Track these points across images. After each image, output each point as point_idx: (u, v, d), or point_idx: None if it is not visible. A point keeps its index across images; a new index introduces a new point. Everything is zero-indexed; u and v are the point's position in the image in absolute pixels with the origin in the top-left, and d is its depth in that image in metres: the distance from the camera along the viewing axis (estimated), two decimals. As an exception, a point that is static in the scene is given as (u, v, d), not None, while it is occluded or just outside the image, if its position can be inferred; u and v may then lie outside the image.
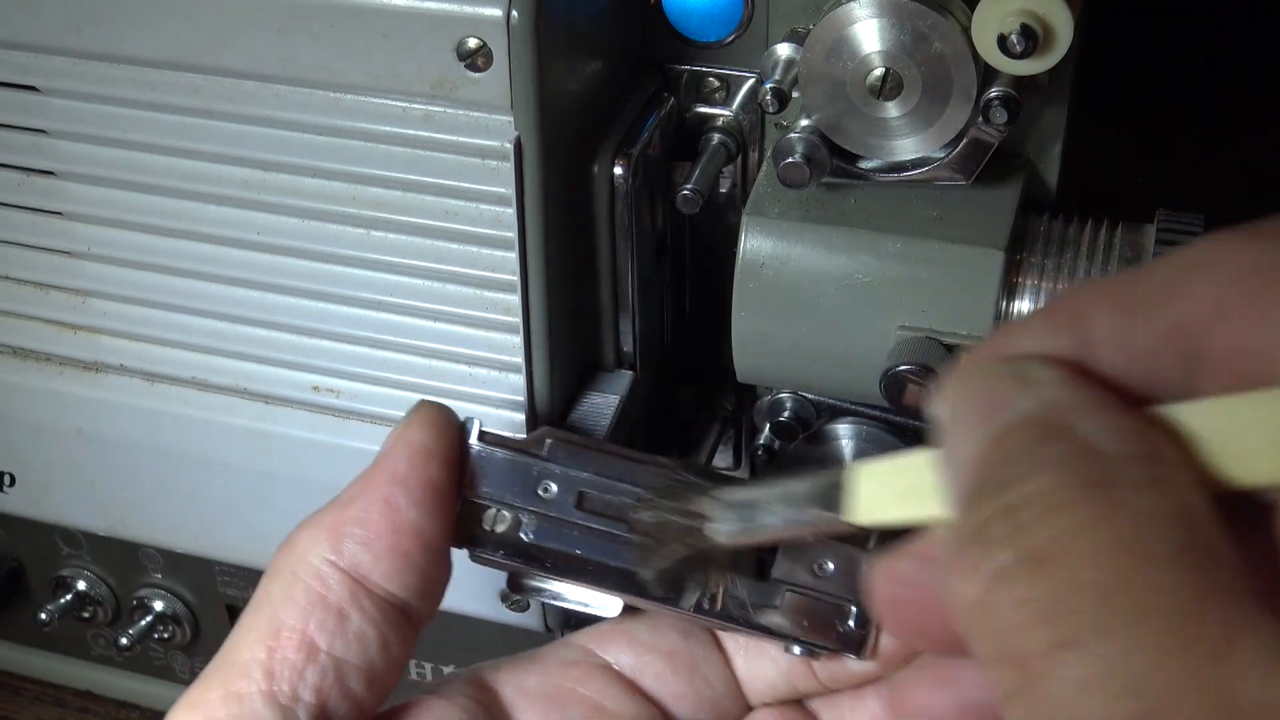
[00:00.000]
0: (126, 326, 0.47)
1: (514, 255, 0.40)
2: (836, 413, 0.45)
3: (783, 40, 0.40)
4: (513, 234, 0.40)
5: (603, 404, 0.44)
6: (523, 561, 0.36)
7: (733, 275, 0.41)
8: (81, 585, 0.56)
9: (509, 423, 0.44)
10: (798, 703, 0.39)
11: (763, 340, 0.42)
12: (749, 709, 0.39)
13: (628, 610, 0.38)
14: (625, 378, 0.45)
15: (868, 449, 0.45)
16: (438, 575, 0.36)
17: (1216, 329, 0.23)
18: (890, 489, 0.30)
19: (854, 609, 0.36)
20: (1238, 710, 0.19)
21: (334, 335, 0.44)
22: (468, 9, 0.37)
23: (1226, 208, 0.46)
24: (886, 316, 0.40)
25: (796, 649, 0.37)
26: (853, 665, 0.37)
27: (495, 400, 0.44)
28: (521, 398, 0.43)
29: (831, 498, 0.31)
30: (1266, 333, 0.22)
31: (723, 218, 0.46)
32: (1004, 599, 0.21)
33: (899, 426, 0.45)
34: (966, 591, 0.22)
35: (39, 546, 0.56)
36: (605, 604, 0.37)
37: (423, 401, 0.37)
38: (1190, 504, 0.22)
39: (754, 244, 0.41)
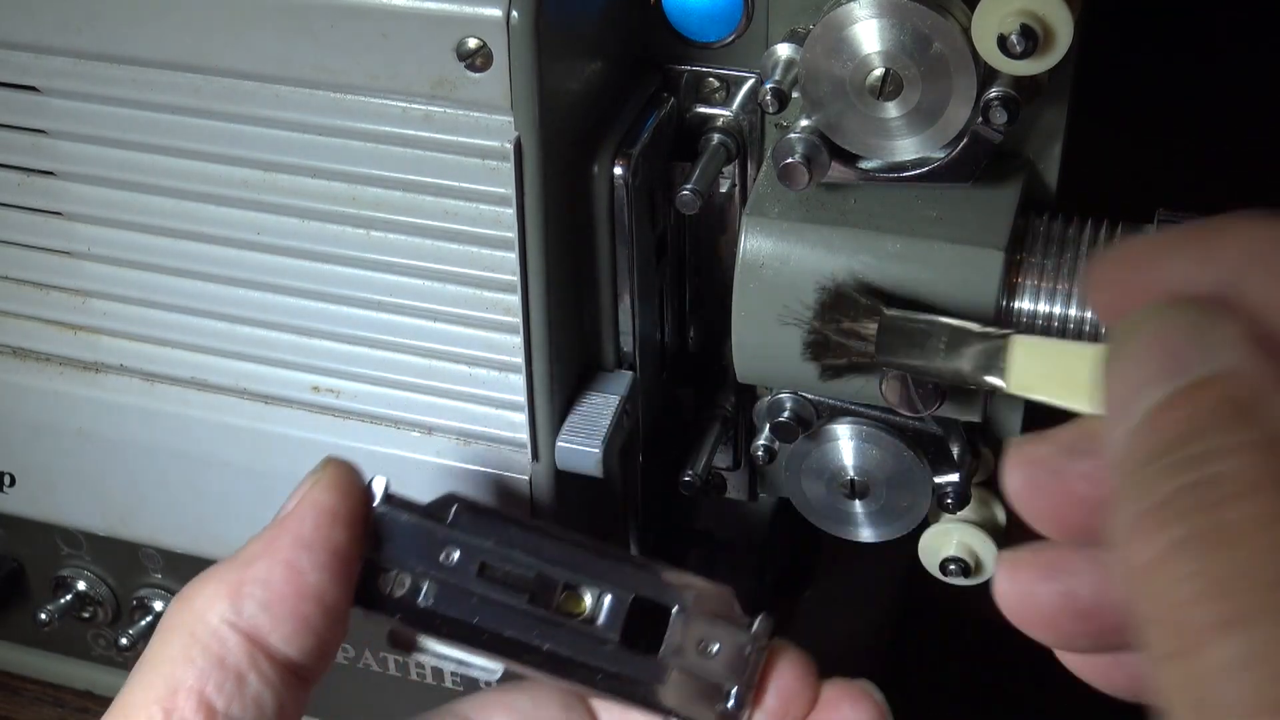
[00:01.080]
0: (126, 326, 0.47)
1: (514, 255, 0.40)
2: (836, 413, 0.45)
3: (783, 40, 0.40)
4: (512, 234, 0.40)
5: (602, 404, 0.44)
6: (418, 626, 0.36)
7: (733, 275, 0.41)
8: (81, 585, 0.56)
9: (509, 423, 0.44)
10: None
11: (763, 340, 0.42)
12: None
13: (511, 676, 0.38)
14: (625, 378, 0.45)
15: (868, 449, 0.45)
16: (335, 637, 0.35)
17: None
18: (1048, 370, 0.31)
19: (734, 689, 0.36)
20: None
21: (334, 335, 0.45)
22: (468, 9, 0.37)
23: (1226, 208, 0.46)
24: (886, 317, 0.40)
25: None
26: None
27: (495, 400, 0.44)
28: (521, 397, 0.43)
29: (992, 357, 0.33)
30: None
31: (723, 218, 0.46)
32: (1179, 570, 0.22)
33: (899, 426, 0.45)
34: (1141, 553, 0.23)
35: (39, 546, 0.56)
36: (485, 669, 0.37)
37: (329, 460, 0.36)
38: None
39: (754, 244, 0.41)
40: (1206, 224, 0.26)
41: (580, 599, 0.37)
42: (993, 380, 0.33)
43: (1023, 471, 0.29)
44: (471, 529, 0.36)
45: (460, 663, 0.37)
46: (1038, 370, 0.32)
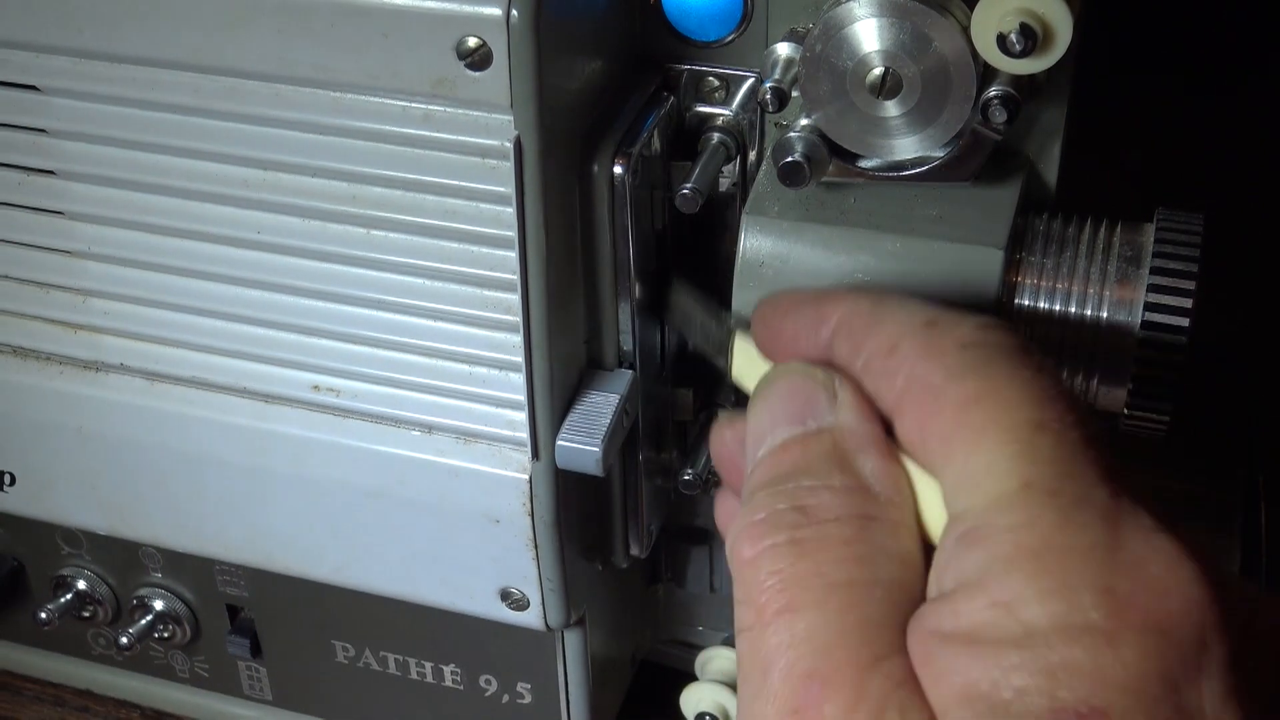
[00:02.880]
0: (127, 326, 0.47)
1: (514, 254, 0.40)
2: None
3: (782, 39, 0.40)
4: (513, 233, 0.40)
5: (602, 403, 0.44)
6: None
7: (733, 275, 0.41)
8: (81, 585, 0.56)
9: (509, 422, 0.44)
10: None
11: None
12: None
13: None
14: (625, 377, 0.45)
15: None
16: None
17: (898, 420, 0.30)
18: (753, 370, 0.35)
19: None
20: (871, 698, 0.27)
21: (334, 334, 0.45)
22: (467, 8, 0.37)
23: (1226, 207, 0.46)
24: (886, 315, 0.40)
25: None
26: None
27: (495, 399, 0.44)
28: (521, 396, 0.43)
29: (723, 344, 0.38)
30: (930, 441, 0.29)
31: (723, 217, 0.46)
32: (766, 567, 0.29)
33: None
34: (744, 551, 0.29)
35: (39, 546, 0.56)
36: None
37: None
38: (911, 550, 0.29)
39: (754, 243, 0.41)
40: (820, 292, 0.33)
41: None
42: (721, 363, 0.38)
43: (720, 445, 0.36)
44: None
45: None
46: (749, 369, 0.35)
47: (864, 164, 0.41)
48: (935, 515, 0.29)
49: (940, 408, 0.29)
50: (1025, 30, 0.36)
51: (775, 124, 0.44)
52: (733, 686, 0.52)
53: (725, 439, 0.35)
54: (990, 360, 0.29)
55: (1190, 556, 0.26)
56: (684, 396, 0.49)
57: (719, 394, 0.49)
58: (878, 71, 0.38)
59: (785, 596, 0.28)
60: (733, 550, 0.30)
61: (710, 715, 0.52)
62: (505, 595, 0.47)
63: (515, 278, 0.41)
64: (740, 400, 0.37)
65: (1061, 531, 0.26)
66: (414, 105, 0.39)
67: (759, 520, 0.30)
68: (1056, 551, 0.26)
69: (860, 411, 0.31)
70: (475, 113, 0.39)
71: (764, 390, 0.33)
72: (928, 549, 0.29)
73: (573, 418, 0.43)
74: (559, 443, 0.43)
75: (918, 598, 0.28)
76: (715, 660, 0.54)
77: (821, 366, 0.32)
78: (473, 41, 0.37)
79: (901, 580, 0.29)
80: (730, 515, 0.35)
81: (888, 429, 0.31)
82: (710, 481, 0.50)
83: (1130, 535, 0.26)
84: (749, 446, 0.32)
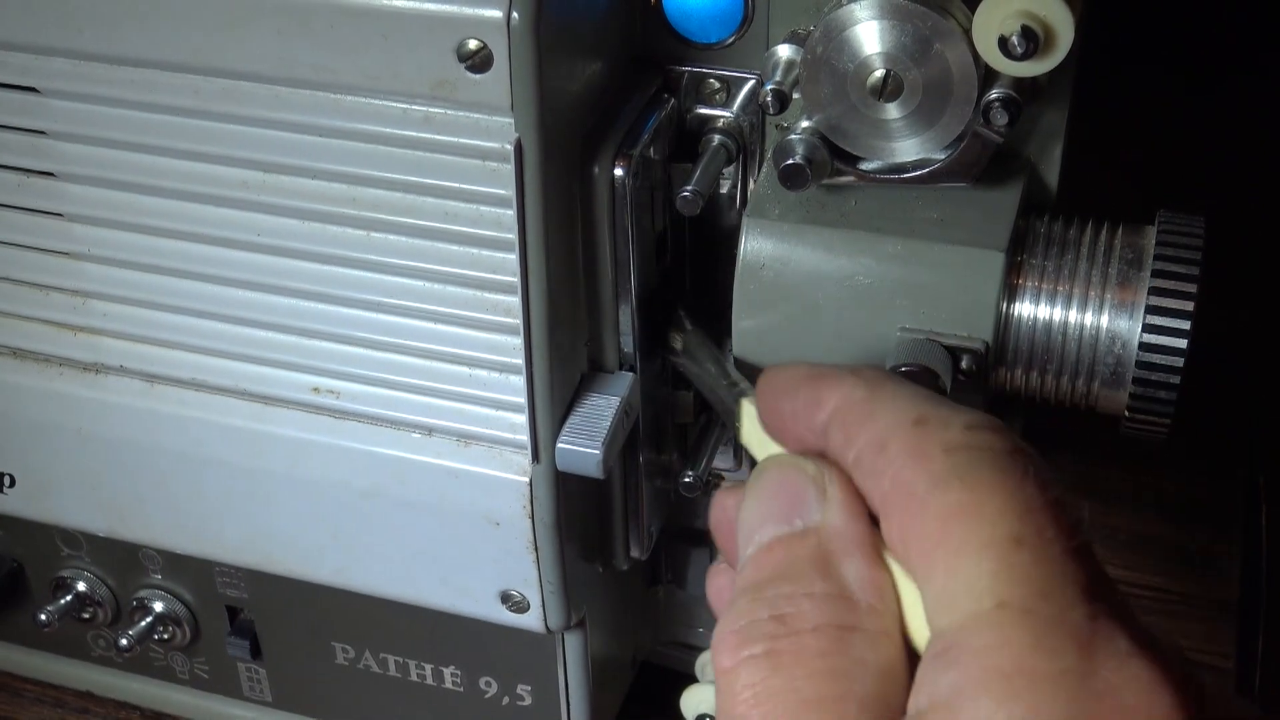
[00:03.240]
0: (126, 327, 0.47)
1: (514, 257, 0.40)
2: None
3: (783, 41, 0.40)
4: (513, 235, 0.40)
5: (603, 405, 0.44)
6: None
7: (733, 276, 0.41)
8: (81, 586, 0.56)
9: (509, 424, 0.44)
10: None
11: (763, 342, 0.42)
12: None
13: None
14: (626, 379, 0.45)
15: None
16: None
17: (878, 458, 0.30)
18: (760, 436, 0.34)
19: None
20: None
21: (334, 336, 0.44)
22: (468, 10, 0.37)
23: (1226, 208, 0.46)
24: (887, 318, 0.40)
25: None
26: None
27: (495, 401, 0.44)
28: (521, 399, 0.43)
29: (732, 407, 0.38)
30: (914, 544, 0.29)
31: (723, 219, 0.46)
32: (743, 679, 0.29)
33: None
34: (723, 660, 0.29)
35: (39, 547, 0.56)
36: None
37: None
38: (893, 660, 0.29)
39: (754, 245, 0.41)
40: (819, 372, 0.32)
41: None
42: (733, 425, 0.37)
43: (715, 514, 0.35)
44: None
45: None
46: (756, 435, 0.34)
47: (865, 166, 0.41)
48: (921, 623, 0.29)
49: (922, 518, 0.28)
50: (1027, 33, 0.36)
51: (776, 126, 0.44)
52: None
53: (726, 507, 0.34)
54: (975, 467, 0.28)
55: (1168, 684, 0.25)
56: (684, 398, 0.49)
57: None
58: (879, 74, 0.38)
59: (759, 711, 0.28)
60: (714, 657, 0.30)
61: (710, 717, 0.52)
62: (505, 597, 0.47)
63: (515, 280, 0.41)
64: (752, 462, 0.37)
65: (1033, 654, 0.26)
66: (414, 107, 0.39)
67: (739, 629, 0.29)
68: (1027, 676, 0.25)
69: (849, 510, 0.30)
70: (476, 115, 0.39)
71: (755, 483, 0.32)
72: (915, 657, 0.29)
73: (573, 420, 0.43)
74: (559, 445, 0.43)
75: (898, 711, 0.28)
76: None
77: (814, 459, 0.31)
78: (473, 44, 0.37)
79: (880, 693, 0.28)
80: (721, 594, 0.35)
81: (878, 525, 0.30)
82: (710, 483, 0.50)
83: (1104, 660, 0.26)
84: (740, 539, 0.32)
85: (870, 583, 0.29)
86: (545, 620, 0.47)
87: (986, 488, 0.28)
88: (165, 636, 0.56)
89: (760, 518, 0.31)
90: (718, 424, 0.49)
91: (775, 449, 0.34)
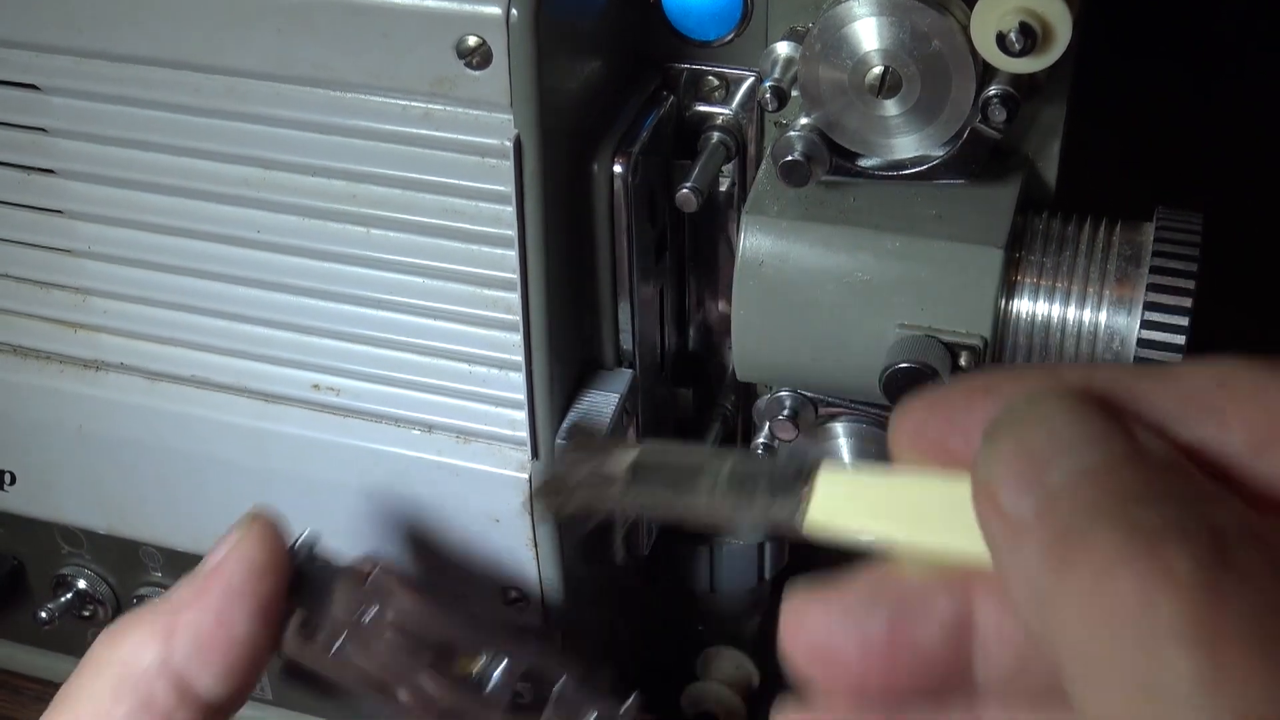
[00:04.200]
0: (127, 325, 0.47)
1: (514, 253, 0.40)
2: (836, 412, 0.45)
3: (782, 39, 0.40)
4: (512, 232, 0.40)
5: (602, 402, 0.44)
6: (333, 673, 0.39)
7: (732, 274, 0.41)
8: (82, 584, 0.56)
9: (509, 421, 0.44)
10: None
11: (762, 339, 0.42)
12: None
13: None
14: (625, 376, 0.45)
15: (867, 448, 0.45)
16: (255, 679, 0.38)
17: (1255, 461, 0.22)
18: (856, 500, 0.27)
19: None
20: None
21: (334, 334, 0.45)
22: (467, 7, 0.37)
23: (1226, 207, 0.46)
24: (886, 315, 0.40)
25: None
26: None
27: (495, 398, 0.44)
28: (521, 396, 0.43)
29: (784, 490, 0.28)
30: None
31: (722, 216, 0.46)
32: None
33: (898, 425, 0.45)
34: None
35: (39, 545, 0.56)
36: (381, 710, 0.40)
37: (255, 514, 0.39)
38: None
39: (753, 242, 0.41)
40: (1014, 372, 0.25)
41: (475, 662, 0.40)
42: (785, 517, 0.27)
43: (810, 629, 0.26)
44: (388, 595, 0.40)
45: (361, 703, 0.41)
46: (844, 503, 0.27)
47: (864, 163, 0.41)
48: None
49: None
50: (1024, 29, 0.36)
51: (775, 123, 0.44)
52: (731, 686, 0.52)
53: (817, 622, 0.26)
54: None
55: None
56: (684, 396, 0.49)
57: (719, 394, 0.49)
58: (877, 70, 0.38)
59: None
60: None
61: (711, 714, 0.52)
62: (505, 594, 0.47)
63: (515, 277, 0.41)
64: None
65: None
66: (414, 104, 0.39)
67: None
68: None
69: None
70: (475, 112, 0.39)
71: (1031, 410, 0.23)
72: None
73: (573, 417, 0.43)
74: (559, 442, 0.43)
75: None
76: (715, 660, 0.54)
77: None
78: (473, 40, 0.37)
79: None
80: None
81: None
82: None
83: None
84: (1009, 498, 0.22)
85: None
86: (545, 617, 0.47)
87: None
88: (166, 634, 0.56)
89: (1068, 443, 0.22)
90: (717, 421, 0.49)
91: (884, 508, 0.26)
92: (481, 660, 0.40)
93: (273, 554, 0.38)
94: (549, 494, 0.33)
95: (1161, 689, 0.20)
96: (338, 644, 0.39)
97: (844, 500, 0.27)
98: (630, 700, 0.40)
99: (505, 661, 0.40)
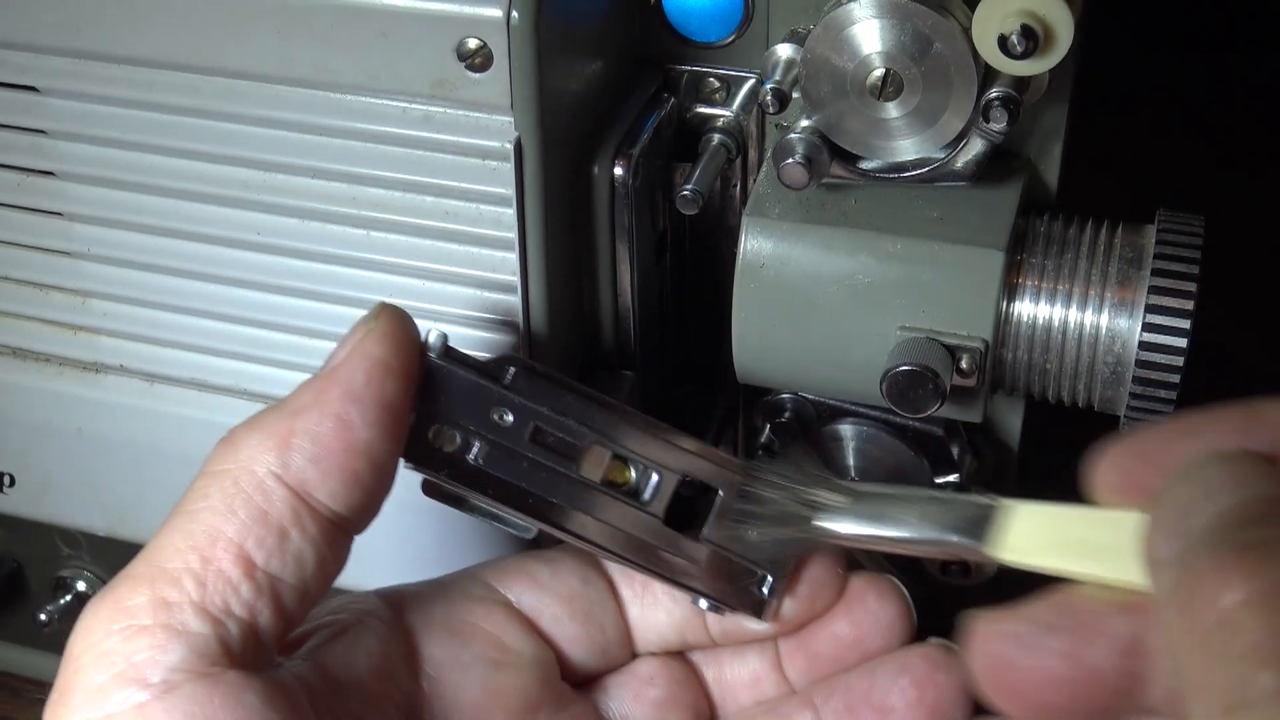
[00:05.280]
0: (126, 327, 0.47)
1: (514, 256, 0.40)
2: (836, 413, 0.45)
3: (783, 41, 0.40)
4: (513, 234, 0.40)
5: (603, 404, 0.44)
6: (465, 484, 0.36)
7: (733, 276, 0.41)
8: (81, 586, 0.56)
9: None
10: (679, 654, 0.40)
11: (763, 341, 0.42)
12: (634, 656, 0.40)
13: (530, 545, 0.38)
14: (625, 378, 0.45)
15: (868, 449, 0.45)
16: (381, 491, 0.35)
17: None
18: (1046, 535, 0.30)
19: (769, 577, 0.38)
20: None
21: (334, 336, 0.44)
22: (468, 9, 0.37)
23: (1227, 208, 0.46)
24: (887, 317, 0.40)
25: (704, 603, 0.38)
26: (749, 625, 0.39)
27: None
28: (521, 398, 0.43)
29: (977, 526, 0.32)
30: None
31: (723, 218, 0.46)
32: None
33: (899, 427, 0.45)
34: None
35: (39, 547, 0.55)
36: (522, 528, 0.37)
37: (383, 307, 0.35)
38: None
39: (754, 244, 0.41)
40: (1233, 409, 0.27)
41: (627, 471, 0.37)
42: (978, 546, 0.32)
43: (993, 649, 0.28)
44: (527, 392, 0.36)
45: (498, 519, 0.37)
46: (1037, 534, 0.31)
47: (865, 165, 0.41)
48: None
49: None
50: (1026, 32, 0.36)
51: (776, 125, 0.44)
52: None
53: (1005, 635, 0.28)
54: None
55: None
56: (684, 397, 0.49)
57: (719, 395, 0.49)
58: (878, 73, 0.38)
59: None
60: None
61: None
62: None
63: (515, 279, 0.41)
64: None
65: None
66: (414, 106, 0.39)
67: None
68: None
69: None
70: (475, 114, 0.39)
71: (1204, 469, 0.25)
72: None
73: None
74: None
75: None
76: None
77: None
78: (473, 43, 0.37)
79: None
80: None
81: None
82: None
83: None
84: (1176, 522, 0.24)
85: None
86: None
87: None
88: (165, 636, 0.56)
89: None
90: (717, 422, 0.49)
91: (1070, 543, 0.29)
92: (633, 470, 0.37)
93: (400, 352, 0.34)
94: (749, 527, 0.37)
95: (1245, 707, 0.21)
96: (473, 453, 0.35)
97: (1034, 536, 0.30)
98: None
99: (660, 471, 0.37)
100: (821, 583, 0.38)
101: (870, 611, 0.38)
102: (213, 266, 0.44)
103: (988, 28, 0.37)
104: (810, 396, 0.45)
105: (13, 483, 0.51)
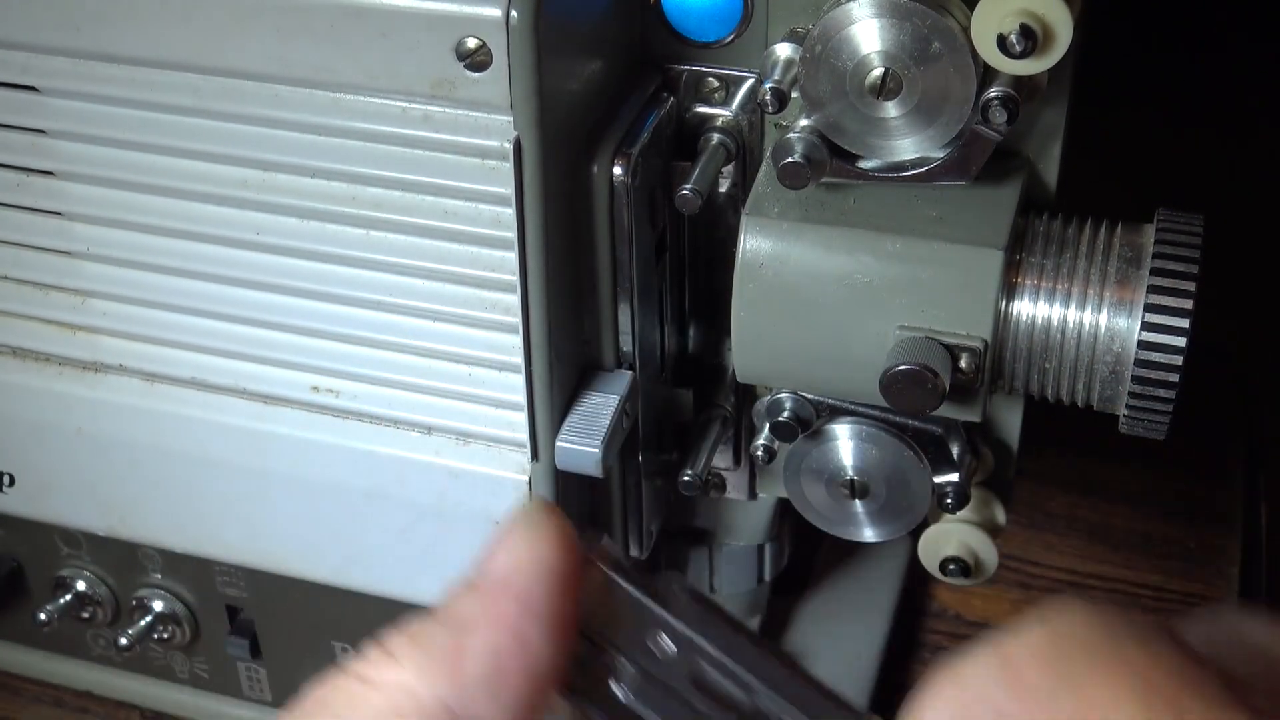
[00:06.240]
0: (126, 326, 0.47)
1: (513, 255, 0.40)
2: (836, 413, 0.45)
3: (782, 40, 0.40)
4: (512, 234, 0.40)
5: (602, 404, 0.44)
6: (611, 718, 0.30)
7: (732, 275, 0.41)
8: (81, 585, 0.56)
9: (509, 423, 0.44)
10: None
11: (762, 340, 0.42)
12: None
13: None
14: (624, 378, 0.45)
15: (868, 449, 0.45)
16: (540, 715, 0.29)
17: None
18: None
19: None
20: None
21: (333, 335, 0.44)
22: (467, 9, 0.37)
23: (1226, 208, 0.46)
24: (886, 316, 0.40)
25: None
26: None
27: (495, 400, 0.44)
28: (521, 398, 0.43)
29: None
30: None
31: (722, 218, 0.46)
32: None
33: (899, 426, 0.45)
34: None
35: (38, 546, 0.55)
36: None
37: (542, 505, 0.30)
38: None
39: (753, 244, 0.41)
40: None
41: None
42: None
43: None
44: (694, 623, 0.29)
45: None
46: None
47: (864, 165, 0.41)
48: None
49: None
50: (1025, 31, 0.36)
51: (775, 125, 0.44)
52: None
53: None
54: None
55: None
56: (684, 397, 0.49)
57: (719, 395, 0.49)
58: (878, 72, 0.38)
59: None
60: None
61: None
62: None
63: (515, 279, 0.41)
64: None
65: None
66: (413, 106, 0.39)
67: None
68: None
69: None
70: (475, 113, 0.39)
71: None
72: None
73: (572, 419, 0.43)
74: (558, 444, 0.43)
75: None
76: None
77: None
78: (472, 42, 0.37)
79: None
80: None
81: None
82: (711, 482, 0.50)
83: None
84: None
85: None
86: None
87: None
88: (165, 636, 0.56)
89: None
90: (717, 422, 0.49)
91: None
92: None
93: (569, 556, 0.28)
94: None
95: None
96: (624, 684, 0.29)
97: None
98: None
99: None
100: None
101: None
102: (213, 266, 0.44)
103: (987, 27, 0.37)
104: (810, 396, 0.45)
105: (13, 482, 0.51)
